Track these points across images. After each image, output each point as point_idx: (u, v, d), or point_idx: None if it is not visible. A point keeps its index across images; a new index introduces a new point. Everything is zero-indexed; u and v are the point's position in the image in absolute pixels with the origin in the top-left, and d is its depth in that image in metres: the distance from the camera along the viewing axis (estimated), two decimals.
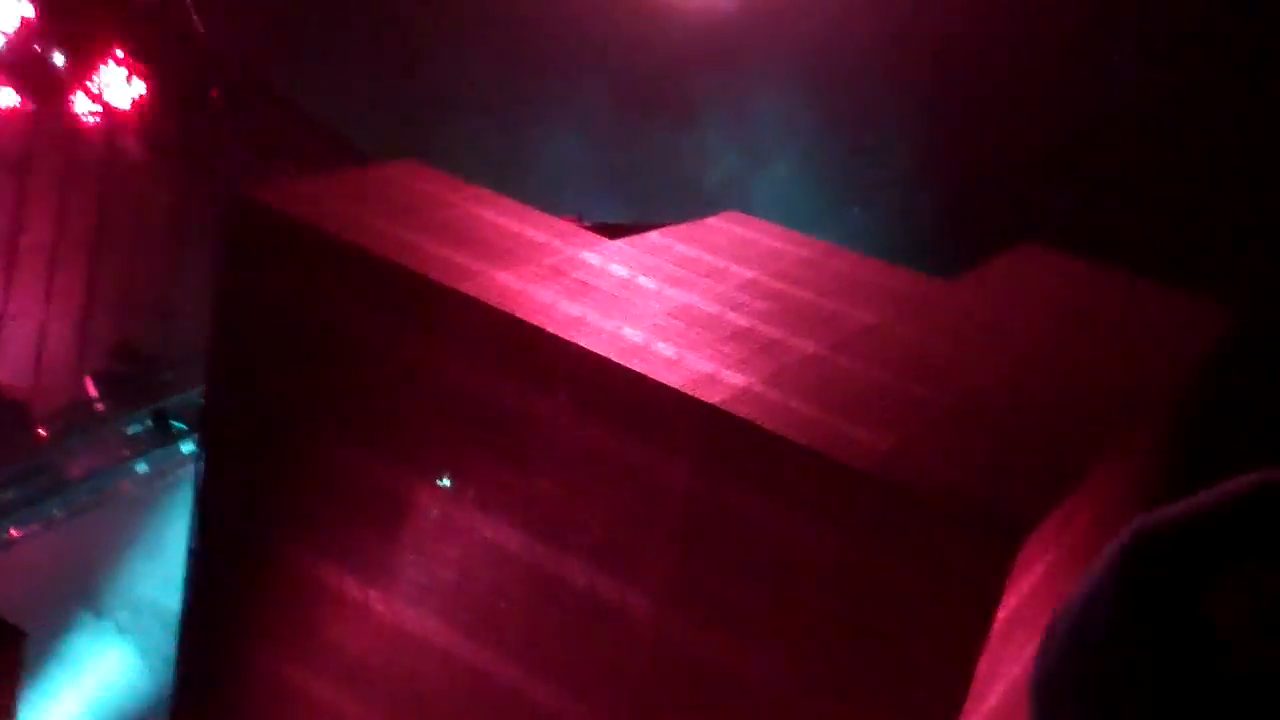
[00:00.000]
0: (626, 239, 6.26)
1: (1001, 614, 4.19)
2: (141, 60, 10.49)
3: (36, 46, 10.48)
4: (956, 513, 4.26)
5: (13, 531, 8.70)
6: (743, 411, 4.64)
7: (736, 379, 4.85)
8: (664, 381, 4.77)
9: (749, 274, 5.86)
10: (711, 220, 6.54)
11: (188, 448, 9.00)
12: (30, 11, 10.79)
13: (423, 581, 5.45)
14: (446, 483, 5.33)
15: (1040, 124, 10.65)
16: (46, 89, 10.51)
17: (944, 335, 5.66)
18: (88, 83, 10.78)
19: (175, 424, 9.12)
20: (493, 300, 5.11)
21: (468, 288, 5.16)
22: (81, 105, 10.75)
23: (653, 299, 5.42)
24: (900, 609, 4.34)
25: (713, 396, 4.71)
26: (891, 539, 4.33)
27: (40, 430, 8.93)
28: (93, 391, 9.23)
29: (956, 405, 4.98)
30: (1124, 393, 5.50)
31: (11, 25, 10.60)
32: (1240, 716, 1.08)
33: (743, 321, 5.37)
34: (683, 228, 6.45)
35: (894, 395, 4.98)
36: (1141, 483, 5.81)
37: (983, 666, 4.23)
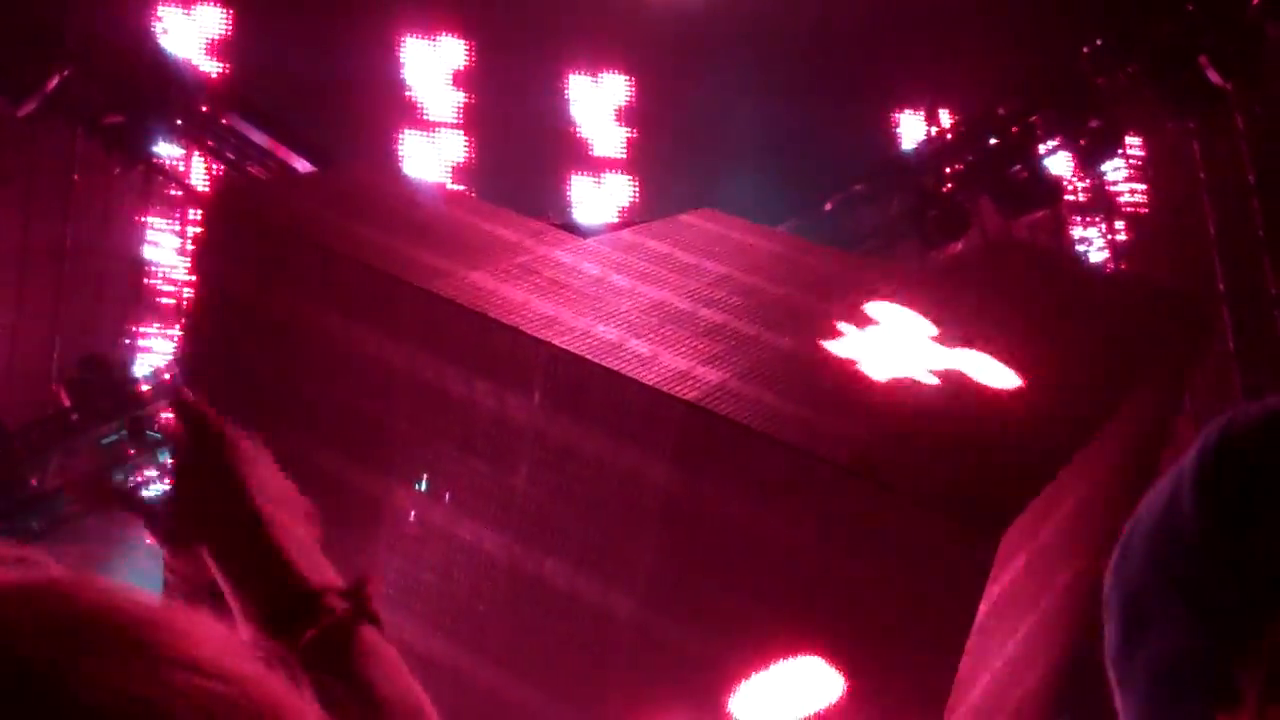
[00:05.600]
0: (598, 238, 6.20)
1: (984, 607, 4.16)
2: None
3: None
4: (934, 505, 4.22)
5: None
6: (718, 407, 4.58)
7: (711, 375, 4.79)
8: (638, 379, 4.71)
9: (722, 270, 5.79)
10: (684, 217, 6.48)
11: (164, 456, 8.92)
12: None
13: (403, 585, 5.38)
14: (424, 486, 5.28)
15: None
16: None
17: (920, 328, 5.63)
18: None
19: (151, 433, 9.04)
20: (465, 300, 5.03)
21: (439, 287, 5.07)
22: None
23: (626, 297, 5.35)
24: (882, 604, 4.29)
25: (687, 393, 4.65)
26: (870, 534, 4.29)
27: (15, 443, 8.83)
28: (66, 402, 9.11)
29: (934, 398, 4.95)
30: (1102, 382, 5.48)
31: None
32: None
33: (717, 317, 5.31)
34: (655, 225, 6.39)
35: (871, 389, 4.94)
36: (1126, 470, 5.79)
37: (967, 660, 4.20)
